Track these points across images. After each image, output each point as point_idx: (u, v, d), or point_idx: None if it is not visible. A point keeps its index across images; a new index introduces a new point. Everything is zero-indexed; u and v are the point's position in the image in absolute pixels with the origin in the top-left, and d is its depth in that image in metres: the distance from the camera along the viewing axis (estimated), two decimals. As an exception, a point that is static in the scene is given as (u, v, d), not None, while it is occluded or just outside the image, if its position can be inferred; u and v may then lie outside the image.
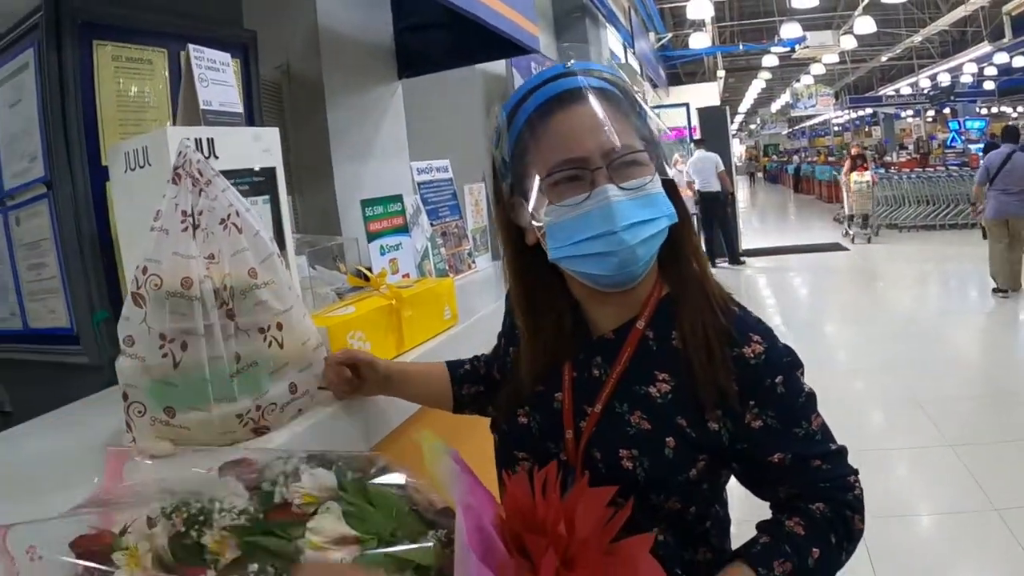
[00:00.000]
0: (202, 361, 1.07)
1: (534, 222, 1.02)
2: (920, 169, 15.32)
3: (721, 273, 10.65)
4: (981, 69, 22.29)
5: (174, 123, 1.62)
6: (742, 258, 11.44)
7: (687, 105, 14.34)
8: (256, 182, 1.43)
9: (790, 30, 17.02)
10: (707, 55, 20.02)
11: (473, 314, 2.01)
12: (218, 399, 1.09)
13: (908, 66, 24.99)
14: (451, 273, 2.81)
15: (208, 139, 1.33)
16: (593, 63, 1.10)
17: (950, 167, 15.26)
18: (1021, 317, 7.18)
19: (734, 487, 1.13)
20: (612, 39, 11.28)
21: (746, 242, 12.39)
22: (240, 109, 1.51)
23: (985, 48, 17.90)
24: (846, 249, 11.98)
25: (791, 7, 16.67)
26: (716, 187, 10.95)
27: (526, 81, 1.08)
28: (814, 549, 0.99)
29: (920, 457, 4.22)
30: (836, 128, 37.03)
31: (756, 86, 28.99)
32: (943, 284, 9.47)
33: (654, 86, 16.45)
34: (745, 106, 36.03)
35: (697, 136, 12.27)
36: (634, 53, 13.35)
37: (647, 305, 1.09)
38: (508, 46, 3.25)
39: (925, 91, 25.95)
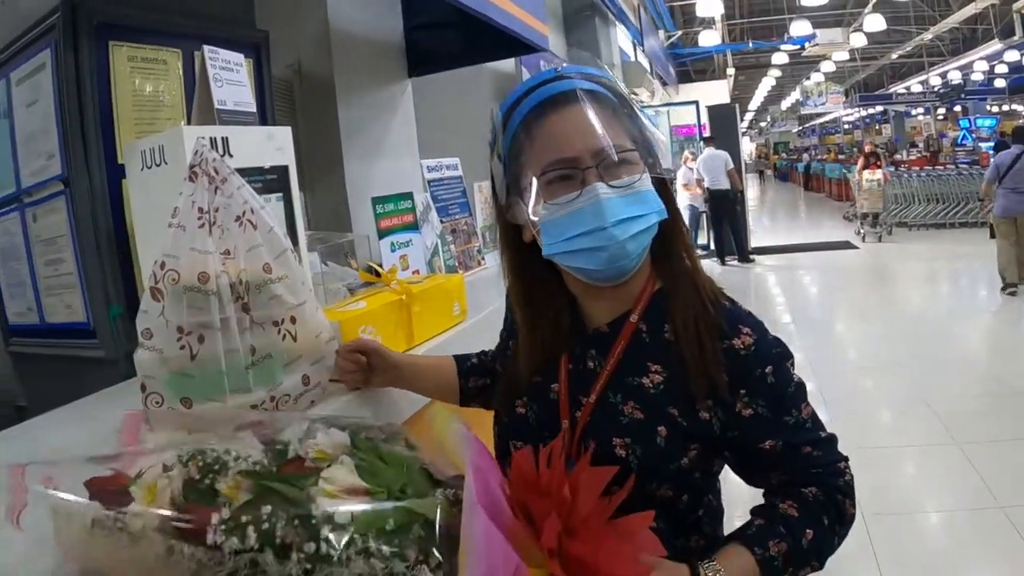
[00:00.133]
0: (218, 353, 1.10)
1: (531, 218, 1.06)
2: (930, 167, 15.22)
3: (730, 271, 10.66)
4: (992, 67, 22.20)
5: (188, 122, 1.65)
6: (751, 256, 11.41)
7: (696, 103, 14.31)
8: (269, 180, 1.46)
9: (800, 27, 16.99)
10: (717, 53, 20.01)
11: (482, 310, 2.03)
12: (234, 390, 1.12)
13: (918, 64, 24.90)
14: (461, 269, 2.83)
15: (223, 138, 1.36)
16: (586, 67, 1.13)
17: (960, 165, 15.16)
18: (1031, 316, 7.15)
19: (729, 482, 1.15)
20: (622, 37, 11.29)
21: (756, 240, 12.36)
22: (253, 108, 1.54)
23: (996, 46, 17.84)
24: (856, 247, 11.92)
25: (801, 4, 16.62)
26: (726, 185, 10.94)
27: (521, 83, 1.11)
28: (807, 530, 1.01)
29: (927, 455, 4.21)
30: (846, 126, 36.88)
31: (766, 84, 28.92)
32: (953, 283, 9.42)
33: (664, 84, 16.44)
34: (755, 104, 35.95)
35: (707, 134, 12.24)
36: (644, 51, 13.36)
37: (640, 299, 1.12)
38: (518, 45, 3.27)
39: (935, 89, 25.80)
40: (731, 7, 19.04)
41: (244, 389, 1.13)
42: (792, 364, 1.10)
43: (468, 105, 4.14)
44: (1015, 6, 14.09)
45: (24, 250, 1.86)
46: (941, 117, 28.69)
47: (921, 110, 29.51)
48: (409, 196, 2.56)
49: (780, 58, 21.37)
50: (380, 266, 1.98)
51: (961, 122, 24.91)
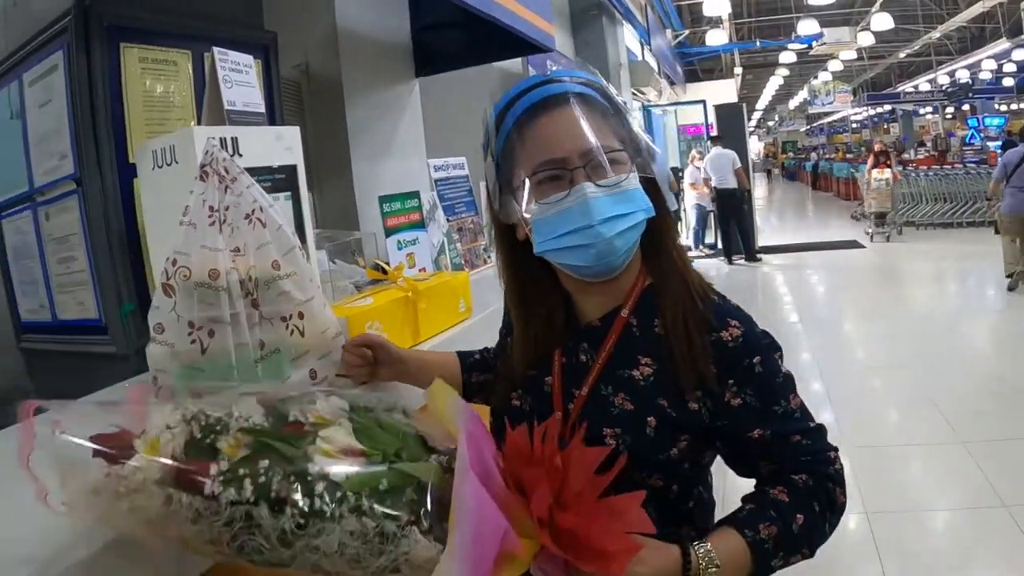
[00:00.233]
0: (228, 348, 1.12)
1: (523, 216, 1.09)
2: (938, 167, 15.17)
3: (737, 270, 10.65)
4: (1000, 65, 22.09)
5: (198, 121, 1.68)
6: (759, 255, 11.39)
7: (704, 102, 14.30)
8: (278, 179, 1.49)
9: (807, 26, 16.94)
10: (724, 52, 19.97)
11: (487, 307, 2.05)
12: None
13: (926, 62, 24.77)
14: (467, 267, 2.86)
15: (232, 138, 1.38)
16: (576, 70, 1.17)
17: (968, 164, 15.11)
18: (1037, 316, 7.14)
19: (728, 479, 1.17)
20: (629, 36, 11.29)
21: (763, 239, 12.34)
22: (262, 109, 1.57)
23: (1004, 44, 17.76)
24: (863, 247, 11.90)
25: (808, 3, 16.60)
26: (733, 184, 10.92)
27: (514, 86, 1.14)
28: (798, 515, 1.03)
29: (933, 454, 4.22)
30: (854, 125, 36.79)
31: (774, 83, 28.84)
32: (960, 282, 9.39)
33: (671, 83, 16.43)
34: (763, 103, 35.83)
35: (714, 133, 12.22)
36: (651, 50, 13.35)
37: (631, 295, 1.15)
38: (524, 45, 3.30)
39: (943, 88, 25.69)
40: (738, 6, 19.01)
41: (253, 383, 1.15)
42: (780, 356, 1.12)
43: (475, 105, 4.13)
44: (1023, 4, 14.03)
45: (37, 248, 1.89)
46: (949, 116, 28.59)
47: (929, 109, 29.41)
48: (416, 195, 2.58)
49: (788, 57, 21.30)
50: (387, 264, 2.00)
51: (969, 121, 24.84)
